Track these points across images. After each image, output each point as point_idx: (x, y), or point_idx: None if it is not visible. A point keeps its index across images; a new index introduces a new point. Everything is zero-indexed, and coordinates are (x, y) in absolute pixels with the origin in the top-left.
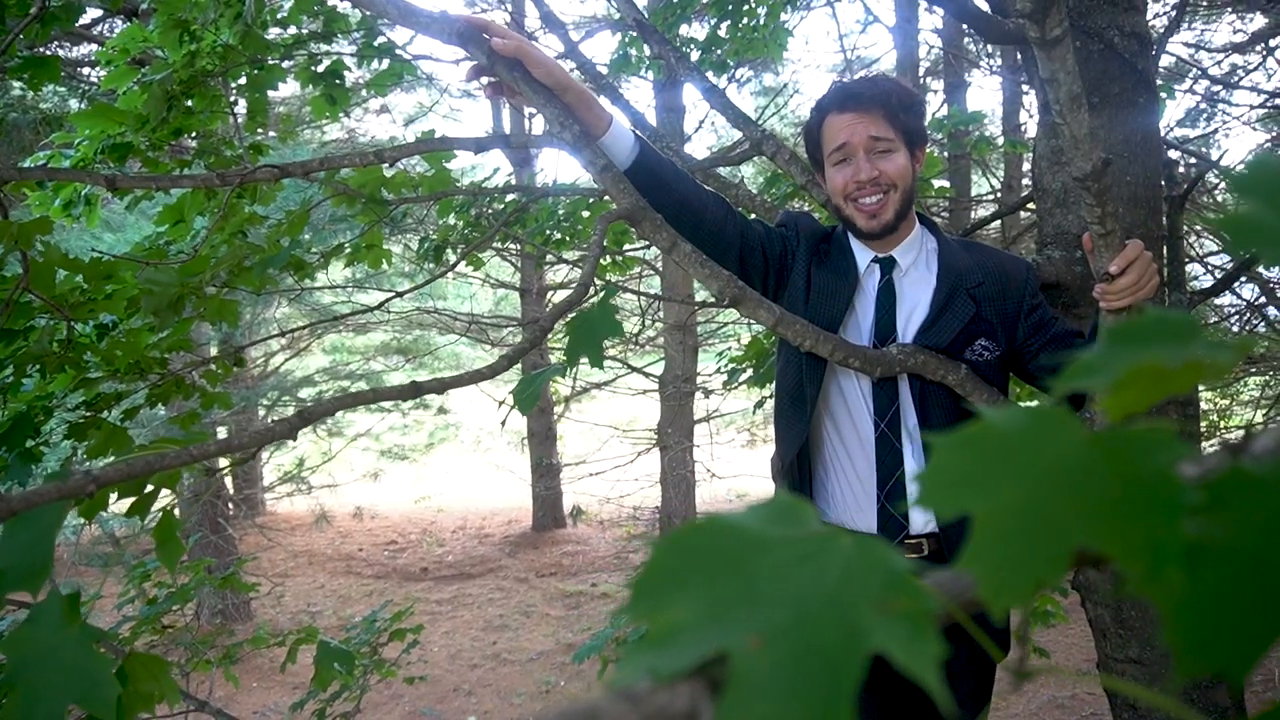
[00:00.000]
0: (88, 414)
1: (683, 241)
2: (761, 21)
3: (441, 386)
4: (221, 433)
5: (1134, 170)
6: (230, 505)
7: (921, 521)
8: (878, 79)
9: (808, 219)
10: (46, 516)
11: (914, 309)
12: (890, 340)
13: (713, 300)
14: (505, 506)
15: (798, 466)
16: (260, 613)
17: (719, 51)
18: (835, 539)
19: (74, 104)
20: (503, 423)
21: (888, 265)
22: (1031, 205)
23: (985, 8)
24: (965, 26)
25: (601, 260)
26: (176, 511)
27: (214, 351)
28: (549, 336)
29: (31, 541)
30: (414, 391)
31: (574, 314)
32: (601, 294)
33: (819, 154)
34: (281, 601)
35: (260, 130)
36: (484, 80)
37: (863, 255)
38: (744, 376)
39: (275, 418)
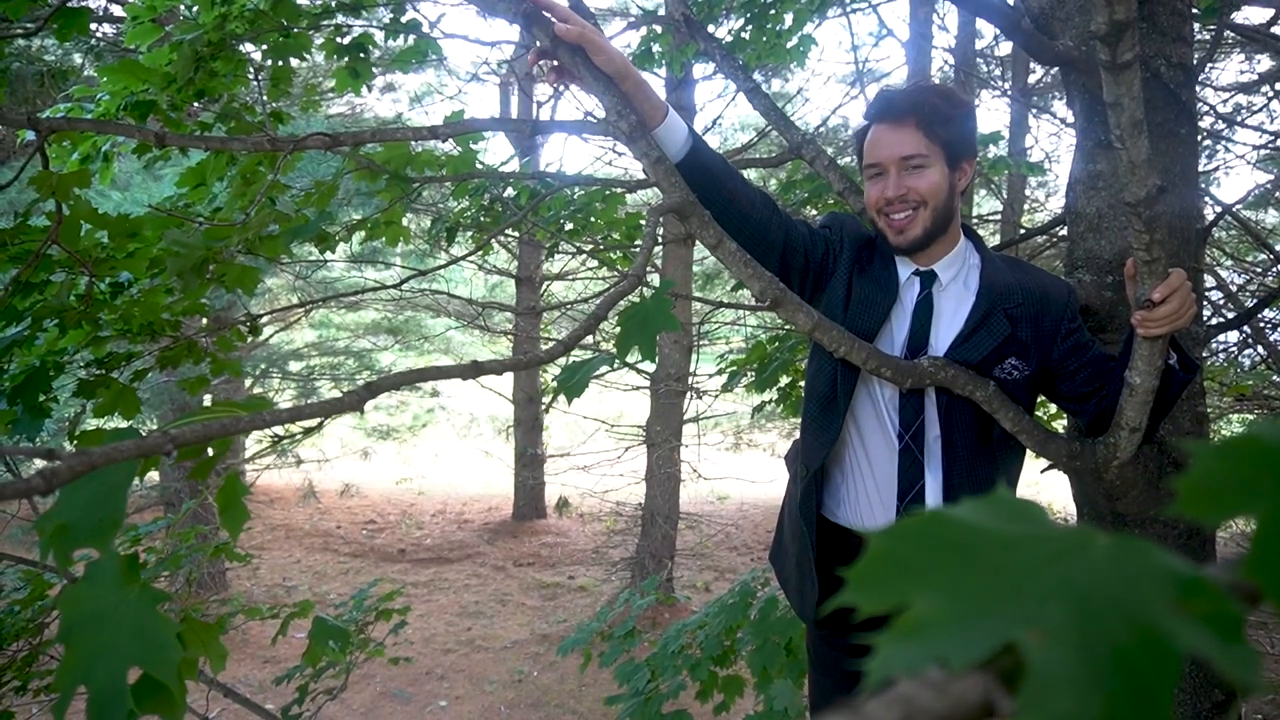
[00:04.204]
0: (98, 372)
1: (728, 239)
2: (787, 26)
3: (501, 368)
4: (206, 401)
5: (1171, 201)
6: (211, 474)
7: None
8: (921, 88)
9: (853, 223)
10: (117, 473)
11: (950, 325)
12: (921, 354)
13: (735, 302)
14: (487, 493)
15: None
16: (235, 584)
17: (739, 57)
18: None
19: (77, 58)
20: (546, 408)
21: (928, 279)
22: (1059, 230)
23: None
24: (980, 49)
25: (610, 254)
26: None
27: (204, 321)
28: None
29: (101, 497)
30: (475, 371)
31: (626, 306)
32: (657, 287)
33: (863, 164)
34: (257, 574)
35: (280, 98)
36: (546, 64)
37: (904, 268)
38: (744, 380)
39: (260, 389)
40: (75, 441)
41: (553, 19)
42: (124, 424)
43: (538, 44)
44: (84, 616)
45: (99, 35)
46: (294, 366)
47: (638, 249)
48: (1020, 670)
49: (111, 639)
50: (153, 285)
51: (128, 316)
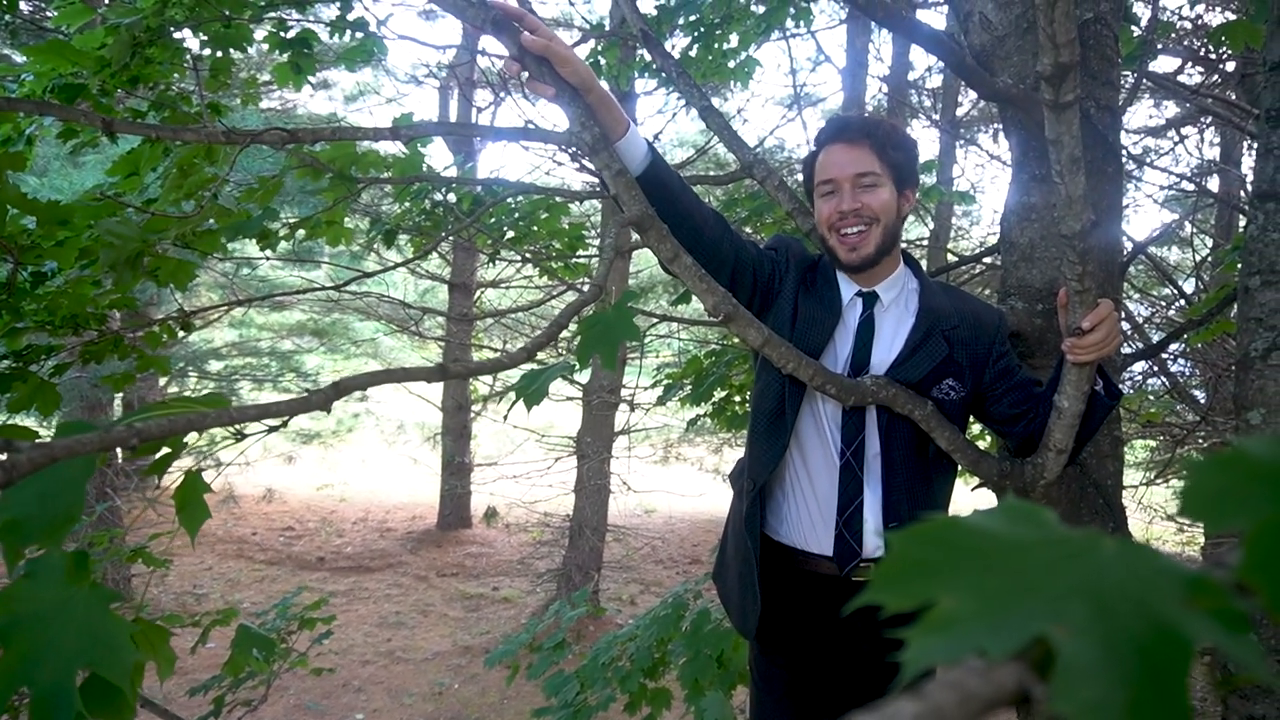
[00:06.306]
0: (15, 365)
1: (684, 254)
2: (732, 46)
3: (468, 372)
4: (117, 400)
5: (1098, 235)
6: (120, 476)
7: (873, 546)
8: (873, 117)
9: (798, 245)
10: (74, 467)
11: (890, 345)
12: (863, 373)
13: (674, 316)
14: (411, 501)
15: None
16: (142, 591)
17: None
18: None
19: None
20: (505, 417)
21: (870, 300)
22: (988, 259)
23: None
24: (912, 80)
25: (554, 263)
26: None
27: (118, 315)
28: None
29: (56, 491)
30: (441, 374)
31: (587, 315)
32: (621, 296)
33: (812, 185)
34: (165, 581)
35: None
36: (520, 73)
37: (847, 288)
38: (680, 394)
39: (176, 388)
40: None
41: (521, 28)
42: (40, 421)
43: (511, 53)
44: (25, 616)
45: (18, 13)
46: (214, 366)
47: (579, 259)
48: (1047, 662)
49: (58, 639)
50: (80, 276)
51: (53, 307)
